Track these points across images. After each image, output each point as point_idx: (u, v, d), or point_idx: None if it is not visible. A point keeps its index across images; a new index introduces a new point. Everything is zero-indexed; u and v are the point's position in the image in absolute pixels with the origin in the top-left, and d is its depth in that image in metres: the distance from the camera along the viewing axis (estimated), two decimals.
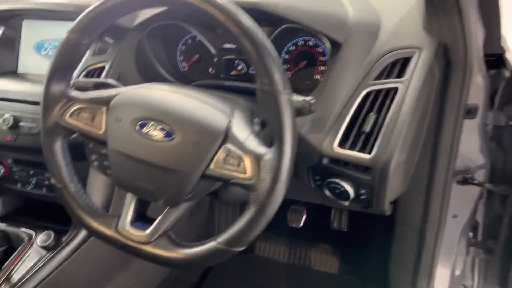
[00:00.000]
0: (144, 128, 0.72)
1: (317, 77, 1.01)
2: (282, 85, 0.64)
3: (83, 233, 1.07)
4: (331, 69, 0.91)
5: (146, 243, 0.74)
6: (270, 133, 0.91)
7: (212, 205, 1.73)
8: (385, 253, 1.41)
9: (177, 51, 1.13)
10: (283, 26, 0.94)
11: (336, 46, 0.91)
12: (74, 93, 0.79)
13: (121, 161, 0.74)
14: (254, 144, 0.69)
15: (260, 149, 0.68)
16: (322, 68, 1.01)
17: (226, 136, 0.70)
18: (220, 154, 0.69)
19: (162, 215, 0.76)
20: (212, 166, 0.69)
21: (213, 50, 1.06)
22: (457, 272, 1.36)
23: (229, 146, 0.69)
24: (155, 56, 1.09)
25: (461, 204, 1.22)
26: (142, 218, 0.79)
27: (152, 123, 0.72)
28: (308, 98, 0.71)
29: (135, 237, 0.75)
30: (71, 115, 0.78)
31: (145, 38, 1.06)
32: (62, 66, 0.76)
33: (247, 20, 0.65)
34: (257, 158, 0.67)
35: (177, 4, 0.67)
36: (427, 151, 1.04)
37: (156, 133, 0.71)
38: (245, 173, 0.67)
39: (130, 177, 0.74)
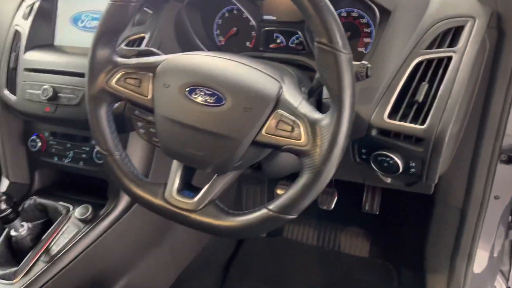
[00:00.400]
0: (193, 94, 0.70)
1: (360, 49, 0.98)
2: (342, 44, 0.62)
3: (120, 207, 1.07)
4: (379, 38, 0.87)
5: (194, 210, 0.73)
6: (314, 105, 0.89)
7: (240, 188, 1.72)
8: (419, 236, 1.38)
9: (214, 24, 1.11)
10: None
11: (385, 14, 0.88)
12: (120, 59, 0.77)
13: (169, 127, 0.72)
14: (307, 109, 0.67)
15: (315, 114, 0.66)
16: (366, 40, 0.98)
17: (278, 101, 0.68)
18: (272, 120, 0.67)
19: (209, 183, 0.74)
20: (263, 132, 0.67)
21: (253, 22, 1.03)
22: (495, 255, 1.32)
23: (281, 111, 0.67)
24: (192, 29, 1.07)
25: (504, 185, 1.18)
26: (188, 186, 0.77)
27: (201, 88, 0.70)
28: (365, 62, 0.68)
29: (183, 204, 0.74)
30: (117, 81, 0.76)
31: (184, 9, 1.04)
32: (109, 30, 0.75)
33: None
34: (312, 124, 0.64)
35: None
36: (473, 125, 1.00)
37: (206, 99, 0.69)
38: (299, 138, 0.65)
39: (178, 144, 0.72)
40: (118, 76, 0.76)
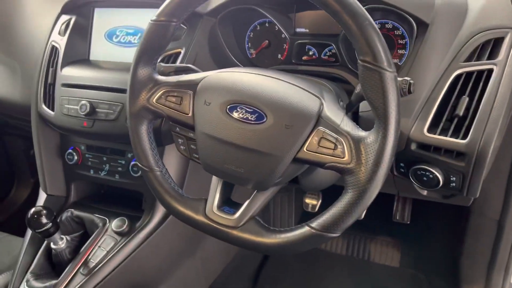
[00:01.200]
0: (234, 111, 0.71)
1: (395, 60, 0.98)
2: (387, 62, 0.61)
3: (155, 220, 1.08)
4: (417, 52, 0.87)
5: (235, 227, 0.73)
6: (351, 116, 0.89)
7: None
8: (452, 246, 1.36)
9: (245, 37, 1.12)
10: (365, 7, 0.90)
11: (422, 27, 0.87)
12: (161, 77, 0.78)
13: (209, 144, 0.73)
14: (350, 126, 0.66)
15: (359, 131, 0.65)
16: (400, 51, 0.97)
17: (319, 118, 0.68)
18: (314, 137, 0.67)
19: (250, 199, 0.75)
20: (305, 149, 0.67)
21: (285, 35, 1.04)
22: None
23: (322, 128, 0.67)
24: (225, 43, 1.08)
25: None
26: (228, 202, 0.78)
27: (242, 106, 0.70)
28: (407, 78, 0.68)
29: (224, 221, 0.74)
30: (158, 98, 0.77)
31: (217, 24, 1.05)
32: (150, 49, 0.76)
33: None
34: (356, 141, 0.64)
35: None
36: (511, 138, 0.98)
37: (247, 116, 0.70)
38: (343, 156, 0.65)
39: (219, 161, 0.73)
40: (159, 94, 0.77)
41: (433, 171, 0.82)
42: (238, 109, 0.71)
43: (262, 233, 0.72)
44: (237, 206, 0.76)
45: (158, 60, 1.00)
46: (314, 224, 0.67)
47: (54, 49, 1.16)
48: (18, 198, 1.94)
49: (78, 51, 1.17)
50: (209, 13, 1.02)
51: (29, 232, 1.10)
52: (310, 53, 1.04)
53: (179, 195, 0.79)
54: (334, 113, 0.69)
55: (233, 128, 0.70)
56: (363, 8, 0.63)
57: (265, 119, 0.69)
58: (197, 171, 0.77)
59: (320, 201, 1.23)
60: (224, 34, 1.08)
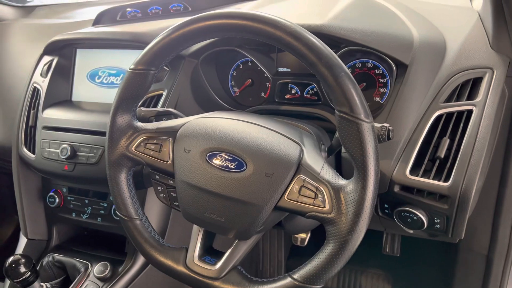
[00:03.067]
0: (214, 159, 0.70)
1: (376, 99, 0.98)
2: (364, 113, 0.61)
3: (138, 264, 1.06)
4: (397, 92, 0.87)
5: (217, 278, 0.72)
6: (334, 162, 0.88)
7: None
8: (443, 279, 1.35)
9: (229, 76, 1.12)
10: (344, 49, 0.91)
11: (402, 67, 0.88)
12: (140, 124, 0.78)
13: (189, 192, 0.72)
14: (330, 174, 0.66)
15: (339, 180, 0.65)
16: (382, 89, 0.97)
17: (299, 166, 0.67)
18: (294, 185, 0.66)
19: (231, 248, 0.74)
20: (285, 197, 0.67)
21: (268, 74, 1.04)
22: None
23: (303, 176, 0.66)
24: (208, 83, 1.08)
25: None
26: (209, 252, 0.76)
27: (222, 154, 0.70)
28: (386, 124, 0.68)
29: (205, 272, 0.73)
30: (137, 146, 0.76)
31: (199, 65, 1.05)
32: (128, 97, 0.76)
33: (325, 48, 0.62)
34: (337, 190, 0.63)
35: (252, 32, 0.65)
36: (496, 173, 0.98)
37: (227, 164, 0.69)
38: (323, 206, 0.64)
39: (199, 209, 0.72)
40: (138, 141, 0.76)
41: (417, 213, 0.81)
42: (218, 157, 0.70)
43: (245, 284, 0.70)
44: (218, 255, 0.75)
45: (139, 103, 1.01)
46: (296, 276, 0.66)
47: (35, 91, 1.15)
48: (1, 236, 1.90)
49: (60, 92, 1.16)
50: (191, 55, 1.03)
51: (7, 282, 1.07)
52: (293, 91, 1.05)
53: (159, 244, 0.77)
54: (314, 160, 0.68)
55: (213, 176, 0.69)
56: (339, 59, 0.63)
57: (245, 167, 0.68)
58: (180, 216, 0.76)
59: (309, 234, 1.21)
60: (206, 74, 1.08)
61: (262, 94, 1.09)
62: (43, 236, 1.17)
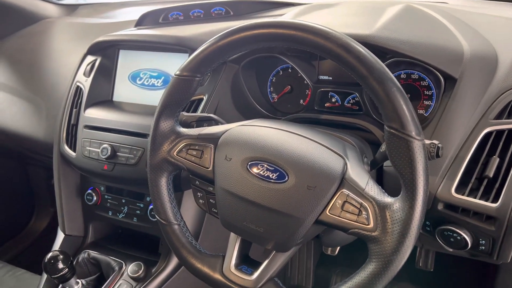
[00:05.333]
0: (255, 168, 0.69)
1: (420, 111, 0.95)
2: (415, 130, 0.59)
3: (171, 266, 1.06)
4: (445, 106, 0.84)
5: None
6: (376, 177, 0.86)
7: None
8: None
9: (268, 82, 1.12)
10: (391, 59, 0.89)
11: (450, 81, 0.85)
12: (182, 130, 0.78)
13: (229, 201, 0.72)
14: (376, 190, 0.64)
15: (385, 197, 0.63)
16: (427, 102, 0.94)
17: (343, 180, 0.65)
18: (337, 200, 0.65)
19: (269, 259, 0.73)
20: (327, 212, 0.65)
21: (308, 82, 1.03)
22: None
23: (346, 191, 0.65)
24: (247, 88, 1.08)
25: None
26: (246, 261, 0.76)
27: (263, 164, 0.69)
28: (435, 141, 0.65)
29: (241, 281, 0.72)
30: (179, 151, 0.77)
31: (240, 70, 1.05)
32: (172, 103, 0.76)
33: (376, 62, 0.61)
34: (382, 208, 0.62)
35: (301, 42, 0.64)
36: None
37: (268, 174, 0.68)
38: (367, 223, 0.62)
39: (238, 218, 0.71)
40: (180, 146, 0.77)
41: (461, 232, 0.78)
42: (259, 167, 0.69)
43: None
44: (255, 265, 0.74)
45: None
46: None
47: (78, 90, 1.17)
48: (37, 227, 1.96)
49: (102, 92, 1.18)
50: (233, 60, 1.03)
51: (45, 275, 1.09)
52: (333, 100, 1.03)
53: (196, 251, 0.77)
54: (359, 175, 0.67)
55: (253, 186, 0.69)
56: (390, 73, 0.61)
57: (286, 179, 0.67)
58: (214, 221, 0.76)
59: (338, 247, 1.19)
60: (246, 79, 1.07)
61: (301, 101, 1.08)
62: (80, 233, 1.20)
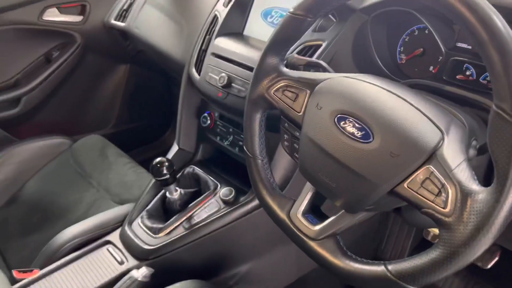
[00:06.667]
0: (342, 123, 0.66)
1: None
2: None
3: (257, 201, 1.11)
4: None
5: (313, 239, 0.71)
6: (486, 164, 0.76)
7: (389, 214, 1.60)
8: None
9: (399, 41, 1.03)
10: None
11: None
12: (285, 69, 0.78)
13: (310, 149, 0.71)
14: (465, 175, 0.57)
15: (473, 184, 0.55)
16: None
17: (433, 155, 0.59)
18: (419, 175, 0.59)
19: (336, 216, 0.71)
20: (405, 184, 0.60)
21: (443, 47, 0.92)
22: None
23: (432, 168, 0.58)
24: (373, 43, 1.01)
25: None
26: (315, 212, 0.76)
27: (351, 119, 0.66)
28: None
29: (304, 228, 0.73)
30: (276, 90, 0.77)
31: (369, 22, 0.98)
32: (281, 41, 0.76)
33: (503, 27, 0.51)
34: (465, 194, 0.55)
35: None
36: None
37: (353, 131, 0.65)
38: (444, 206, 0.56)
39: (314, 168, 0.70)
40: (278, 85, 0.77)
41: None
42: (347, 122, 0.66)
43: (337, 255, 0.68)
44: (322, 218, 0.73)
45: (297, 50, 1.00)
46: (390, 267, 0.61)
47: (215, 18, 1.24)
48: (169, 140, 2.22)
49: (234, 24, 1.23)
50: (363, 10, 0.96)
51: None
52: (467, 73, 0.91)
53: (271, 188, 0.80)
54: (453, 154, 0.59)
55: (335, 140, 0.67)
56: None
57: (371, 140, 0.63)
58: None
59: None
60: (374, 33, 1.00)
61: (431, 68, 0.98)
62: (191, 149, 1.32)
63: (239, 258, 1.21)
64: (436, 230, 1.11)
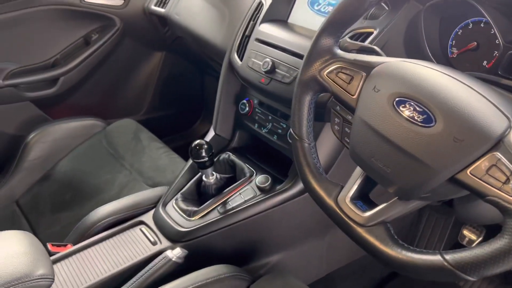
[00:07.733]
0: (402, 106, 0.64)
1: None
2: None
3: (296, 189, 1.10)
4: None
5: (362, 225, 0.69)
6: None
7: (422, 211, 1.56)
8: None
9: (452, 34, 1.00)
10: None
11: None
12: (339, 52, 0.76)
13: (364, 132, 0.69)
14: None
15: None
16: None
17: (500, 142, 0.56)
18: (484, 162, 0.57)
19: (388, 203, 0.69)
20: (468, 171, 0.58)
21: (501, 41, 0.88)
22: None
23: (499, 155, 0.56)
24: (425, 34, 0.98)
25: None
26: (364, 198, 0.73)
27: (412, 102, 0.63)
28: None
29: (353, 214, 0.70)
30: (329, 72, 0.75)
31: (423, 12, 0.95)
32: (339, 21, 0.74)
33: None
34: None
35: None
36: None
37: (414, 115, 0.63)
38: None
39: (368, 153, 0.68)
40: (332, 68, 0.75)
41: None
42: (407, 105, 0.64)
43: (388, 243, 0.66)
44: (371, 205, 0.71)
45: (348, 36, 0.98)
46: (448, 257, 0.58)
47: (260, 5, 1.23)
48: (200, 129, 2.22)
49: (280, 11, 1.21)
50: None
51: (190, 161, 1.24)
52: None
53: (318, 173, 0.78)
54: None
55: (394, 123, 0.64)
56: None
57: (433, 124, 0.61)
58: (349, 159, 0.74)
59: (481, 238, 1.06)
60: (427, 24, 0.97)
61: (485, 62, 0.94)
62: (227, 136, 1.31)
63: (271, 247, 1.19)
64: (472, 235, 1.08)
